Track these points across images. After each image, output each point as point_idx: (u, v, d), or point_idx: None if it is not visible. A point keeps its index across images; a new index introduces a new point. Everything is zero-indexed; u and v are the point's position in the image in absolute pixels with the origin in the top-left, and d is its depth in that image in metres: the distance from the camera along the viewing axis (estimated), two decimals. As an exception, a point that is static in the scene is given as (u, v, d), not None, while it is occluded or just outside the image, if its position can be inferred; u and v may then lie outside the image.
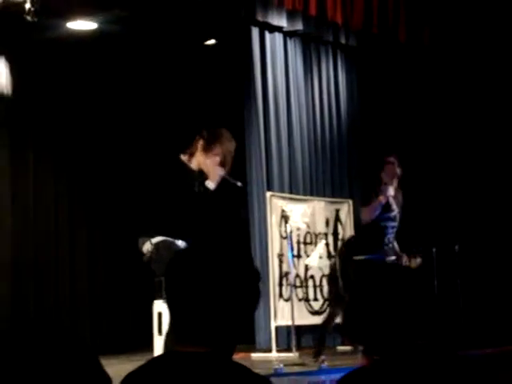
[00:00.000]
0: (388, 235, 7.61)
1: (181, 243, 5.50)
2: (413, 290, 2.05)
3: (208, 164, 5.50)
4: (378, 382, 1.92)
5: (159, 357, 1.85)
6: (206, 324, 1.79)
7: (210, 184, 5.48)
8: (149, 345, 8.91)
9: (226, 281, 1.81)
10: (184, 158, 5.68)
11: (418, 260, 7.85)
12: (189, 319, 1.80)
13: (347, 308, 6.44)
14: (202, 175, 5.58)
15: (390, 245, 7.70)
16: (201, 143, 5.60)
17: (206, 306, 1.79)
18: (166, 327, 8.52)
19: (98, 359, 1.32)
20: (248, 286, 1.84)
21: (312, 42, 10.43)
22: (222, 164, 5.55)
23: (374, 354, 2.03)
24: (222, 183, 5.58)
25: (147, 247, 5.56)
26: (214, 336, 1.80)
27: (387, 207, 7.50)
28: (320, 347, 7.78)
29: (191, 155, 5.64)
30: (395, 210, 7.59)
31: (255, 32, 9.64)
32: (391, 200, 7.50)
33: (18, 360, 1.23)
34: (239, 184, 5.71)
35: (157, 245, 5.49)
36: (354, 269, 7.71)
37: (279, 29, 9.84)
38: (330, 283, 8.41)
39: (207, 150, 5.54)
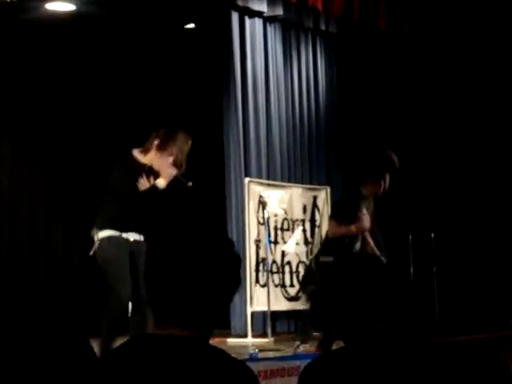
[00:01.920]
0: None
1: (129, 235, 5.48)
2: (374, 275, 2.07)
3: (161, 164, 5.59)
4: (343, 368, 1.94)
5: (136, 338, 1.85)
6: (184, 306, 1.79)
7: (161, 183, 5.57)
8: (125, 327, 8.94)
9: (206, 264, 1.81)
10: (136, 152, 5.71)
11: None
12: (167, 301, 1.80)
13: (311, 296, 6.43)
14: (151, 172, 5.64)
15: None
16: (156, 142, 5.64)
17: (186, 288, 1.79)
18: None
19: (87, 339, 1.31)
20: (228, 269, 1.85)
21: (292, 28, 10.39)
22: (175, 164, 5.64)
23: (338, 340, 2.06)
24: (174, 183, 5.66)
25: (95, 239, 5.57)
26: (192, 318, 1.80)
27: (351, 243, 6.78)
28: (305, 336, 7.73)
29: (146, 151, 5.68)
30: (357, 248, 7.13)
31: (235, 17, 9.59)
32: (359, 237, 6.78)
33: (6, 345, 1.22)
34: (190, 184, 5.78)
35: (102, 240, 5.49)
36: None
37: (259, 14, 9.80)
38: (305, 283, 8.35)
39: (161, 149, 5.61)
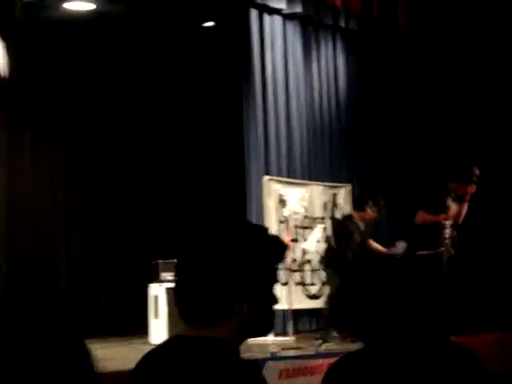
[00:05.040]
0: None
1: None
2: (391, 275, 2.05)
3: None
4: (368, 368, 1.92)
5: (166, 341, 1.84)
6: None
7: None
8: (145, 327, 8.94)
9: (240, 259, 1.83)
10: None
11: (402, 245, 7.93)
12: (197, 300, 1.80)
13: (330, 297, 6.40)
14: None
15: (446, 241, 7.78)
16: None
17: (218, 284, 1.80)
18: (162, 310, 8.51)
19: (82, 339, 1.29)
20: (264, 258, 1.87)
21: (311, 25, 10.35)
22: None
23: (359, 340, 2.04)
24: None
25: None
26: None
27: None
28: (327, 334, 7.73)
29: None
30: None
31: (254, 14, 9.56)
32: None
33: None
34: None
35: None
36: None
37: (278, 11, 9.75)
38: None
39: None
